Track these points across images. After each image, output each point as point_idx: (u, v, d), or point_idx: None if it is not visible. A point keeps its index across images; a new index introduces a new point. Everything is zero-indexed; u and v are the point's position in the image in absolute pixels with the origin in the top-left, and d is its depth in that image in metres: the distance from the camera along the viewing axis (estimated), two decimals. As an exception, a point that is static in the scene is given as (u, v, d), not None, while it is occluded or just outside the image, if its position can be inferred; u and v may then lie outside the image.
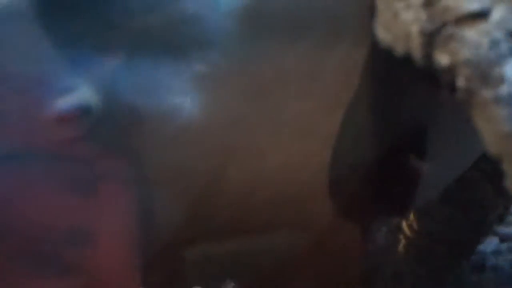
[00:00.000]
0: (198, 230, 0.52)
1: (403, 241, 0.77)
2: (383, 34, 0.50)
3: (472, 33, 0.43)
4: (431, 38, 0.46)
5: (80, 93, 0.44)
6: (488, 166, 0.78)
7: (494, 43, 0.42)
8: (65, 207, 0.47)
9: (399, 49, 0.49)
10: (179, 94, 0.47)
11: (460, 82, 0.43)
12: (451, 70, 0.44)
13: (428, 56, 0.46)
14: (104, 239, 0.48)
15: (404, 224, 0.78)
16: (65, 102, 0.44)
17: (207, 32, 0.47)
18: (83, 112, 0.44)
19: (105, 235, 0.48)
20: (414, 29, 0.47)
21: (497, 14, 0.43)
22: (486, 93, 0.41)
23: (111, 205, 0.48)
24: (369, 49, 0.52)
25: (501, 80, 0.40)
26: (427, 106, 0.57)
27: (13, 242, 0.47)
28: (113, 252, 0.49)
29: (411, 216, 0.77)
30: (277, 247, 0.56)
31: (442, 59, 0.45)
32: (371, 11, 0.52)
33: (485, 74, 0.41)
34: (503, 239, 0.75)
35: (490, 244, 0.74)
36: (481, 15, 0.44)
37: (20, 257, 0.47)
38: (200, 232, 0.53)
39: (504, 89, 0.40)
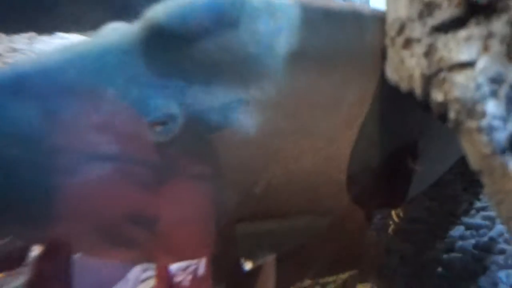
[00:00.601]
0: (246, 213, 0.54)
1: (392, 226, 0.79)
2: (391, 75, 0.52)
3: (461, 78, 0.45)
4: (429, 80, 0.48)
5: (168, 108, 0.47)
6: (460, 171, 0.81)
7: (478, 86, 0.43)
8: (148, 198, 0.49)
9: (404, 86, 0.50)
10: (239, 112, 0.49)
11: (451, 114, 0.45)
12: (444, 105, 0.46)
13: (426, 93, 0.48)
14: (178, 222, 0.51)
15: (393, 213, 0.80)
16: (157, 114, 0.47)
17: (262, 68, 0.49)
18: (169, 121, 0.47)
19: (177, 219, 0.51)
20: (416, 72, 0.49)
21: (481, 63, 0.44)
22: (471, 124, 0.43)
23: (186, 195, 0.50)
24: (380, 82, 0.54)
25: (483, 114, 0.42)
26: (420, 125, 0.59)
27: (101, 219, 0.50)
28: (188, 229, 0.52)
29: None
30: (304, 227, 0.59)
31: (438, 96, 0.47)
32: (382, 55, 0.54)
33: (471, 109, 0.43)
34: (467, 227, 0.76)
35: (458, 230, 0.76)
36: (468, 64, 0.45)
37: (101, 231, 0.50)
38: (246, 215, 0.55)
39: (485, 122, 0.42)
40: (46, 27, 1.82)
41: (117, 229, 0.50)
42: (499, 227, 0.76)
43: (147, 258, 0.59)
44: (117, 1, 2.02)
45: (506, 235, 0.75)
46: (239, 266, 0.58)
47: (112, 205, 0.48)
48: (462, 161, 0.79)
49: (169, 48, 0.46)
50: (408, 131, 0.60)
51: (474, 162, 0.44)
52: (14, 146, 0.43)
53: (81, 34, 1.84)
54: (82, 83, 0.44)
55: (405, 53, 0.51)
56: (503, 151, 0.41)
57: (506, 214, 0.40)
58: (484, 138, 0.42)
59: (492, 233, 0.76)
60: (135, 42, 0.45)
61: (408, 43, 0.51)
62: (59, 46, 0.46)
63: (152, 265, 0.66)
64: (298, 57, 0.50)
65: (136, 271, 0.73)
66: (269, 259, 0.51)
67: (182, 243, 0.53)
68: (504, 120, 0.42)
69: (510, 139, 0.42)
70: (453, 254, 0.72)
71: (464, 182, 0.81)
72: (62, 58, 0.44)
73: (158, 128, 0.46)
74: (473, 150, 0.43)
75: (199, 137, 0.48)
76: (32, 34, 1.78)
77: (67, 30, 1.85)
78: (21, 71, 0.43)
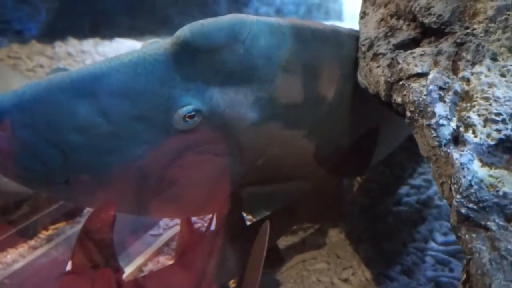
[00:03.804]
0: (249, 180, 0.52)
1: (356, 186, 0.77)
2: (362, 80, 0.50)
3: (416, 85, 0.43)
4: (391, 86, 0.45)
5: (195, 104, 0.44)
6: (406, 146, 0.80)
7: (429, 92, 0.41)
8: (177, 171, 0.47)
9: (371, 90, 0.48)
10: (247, 108, 0.46)
11: (408, 113, 0.42)
12: (403, 106, 0.44)
13: (389, 96, 0.46)
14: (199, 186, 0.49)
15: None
16: (187, 108, 0.43)
17: (265, 74, 0.46)
18: (196, 113, 0.44)
19: (198, 184, 0.49)
20: (382, 79, 0.46)
21: (432, 75, 0.42)
22: (423, 121, 0.41)
23: (208, 166, 0.48)
24: (352, 85, 0.52)
25: (432, 114, 0.40)
26: (379, 117, 0.57)
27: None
28: (206, 191, 0.49)
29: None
30: (293, 190, 0.57)
31: (398, 99, 0.44)
32: (355, 65, 0.51)
33: (423, 110, 0.41)
34: (411, 187, 0.75)
35: (404, 189, 0.75)
36: (422, 75, 0.43)
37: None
38: (250, 181, 0.53)
39: (433, 120, 0.40)
40: (107, 34, 1.79)
41: (155, 192, 0.47)
42: (435, 188, 0.75)
43: (180, 213, 0.57)
44: (160, 15, 1.99)
45: (440, 195, 0.73)
46: (242, 220, 0.56)
47: (151, 175, 0.46)
48: (408, 139, 0.77)
49: (193, 59, 0.43)
50: (370, 121, 0.58)
51: (423, 150, 0.42)
52: (73, 133, 0.41)
53: (133, 39, 1.80)
54: (125, 84, 0.41)
55: (373, 64, 0.48)
56: (446, 144, 0.40)
57: (446, 193, 0.38)
58: (432, 133, 0.40)
59: (430, 192, 0.75)
60: (167, 54, 0.42)
61: (375, 56, 0.49)
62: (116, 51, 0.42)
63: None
64: (291, 66, 0.47)
65: (165, 219, 0.72)
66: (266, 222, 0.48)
67: (202, 201, 0.50)
68: (449, 119, 0.41)
69: (453, 134, 0.40)
70: (400, 207, 0.72)
71: (409, 154, 0.79)
72: (110, 65, 0.41)
73: (190, 120, 0.43)
74: (424, 142, 0.41)
75: (215, 124, 0.45)
76: (96, 39, 1.75)
77: (123, 36, 1.82)
78: (78, 76, 0.41)
